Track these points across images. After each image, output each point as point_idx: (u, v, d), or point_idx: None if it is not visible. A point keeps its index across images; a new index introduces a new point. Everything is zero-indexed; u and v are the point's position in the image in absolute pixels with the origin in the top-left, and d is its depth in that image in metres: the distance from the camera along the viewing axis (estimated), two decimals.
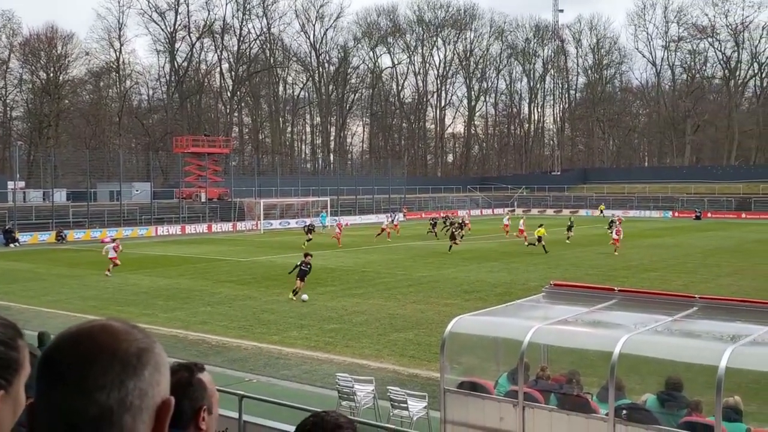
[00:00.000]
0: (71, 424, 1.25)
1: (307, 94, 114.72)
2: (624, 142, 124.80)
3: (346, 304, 23.18)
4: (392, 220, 52.34)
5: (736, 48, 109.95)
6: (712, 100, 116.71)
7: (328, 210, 65.05)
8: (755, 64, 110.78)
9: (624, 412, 8.25)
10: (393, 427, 9.66)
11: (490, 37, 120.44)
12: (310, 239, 43.56)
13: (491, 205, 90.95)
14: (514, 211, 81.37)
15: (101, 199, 63.29)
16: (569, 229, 46.30)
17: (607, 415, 8.34)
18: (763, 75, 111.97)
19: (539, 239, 39.06)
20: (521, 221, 45.16)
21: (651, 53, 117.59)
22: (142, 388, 1.28)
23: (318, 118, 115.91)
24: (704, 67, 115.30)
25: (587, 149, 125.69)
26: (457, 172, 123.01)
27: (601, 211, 76.68)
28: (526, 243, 41.11)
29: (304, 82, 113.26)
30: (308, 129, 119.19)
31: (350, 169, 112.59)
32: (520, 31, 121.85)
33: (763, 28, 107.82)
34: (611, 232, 40.51)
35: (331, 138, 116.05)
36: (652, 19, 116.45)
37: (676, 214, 78.84)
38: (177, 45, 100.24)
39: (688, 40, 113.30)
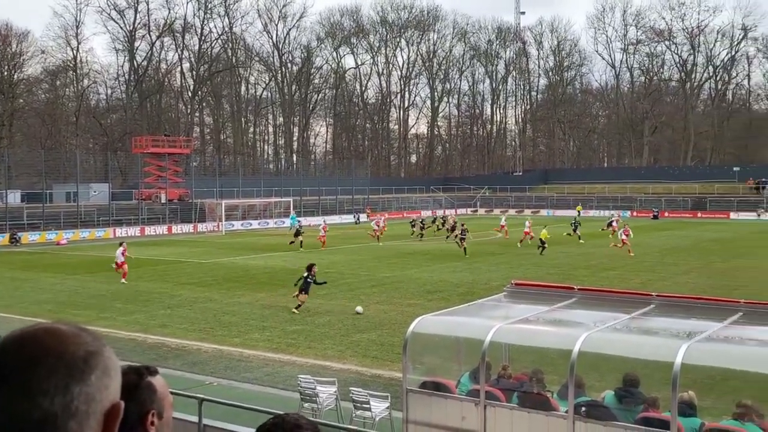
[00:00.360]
0: (14, 428, 1.22)
1: (269, 94, 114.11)
2: (584, 143, 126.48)
3: (308, 305, 23.05)
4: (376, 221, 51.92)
5: (692, 51, 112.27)
6: (669, 102, 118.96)
7: (292, 210, 64.80)
8: (710, 67, 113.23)
9: (583, 409, 8.34)
10: (355, 428, 9.65)
11: (452, 38, 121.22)
12: (293, 242, 42.36)
13: (454, 205, 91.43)
14: (506, 211, 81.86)
15: (57, 201, 62.12)
16: (575, 229, 46.12)
17: (566, 412, 8.43)
18: (718, 78, 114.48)
19: (542, 242, 38.07)
20: (527, 222, 44.70)
21: (610, 56, 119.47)
22: (89, 393, 1.25)
23: (281, 119, 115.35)
24: (661, 70, 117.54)
25: (548, 150, 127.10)
26: (421, 172, 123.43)
27: (579, 213, 77.51)
28: (519, 244, 40.99)
29: (267, 82, 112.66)
30: (271, 129, 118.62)
31: (313, 170, 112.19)
32: (483, 33, 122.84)
33: (717, 32, 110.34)
34: (619, 233, 39.93)
35: (294, 138, 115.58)
36: (611, 22, 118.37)
37: (635, 213, 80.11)
38: (136, 44, 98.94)
39: (646, 43, 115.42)
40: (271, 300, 24.23)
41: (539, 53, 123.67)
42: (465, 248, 37.56)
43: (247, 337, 18.66)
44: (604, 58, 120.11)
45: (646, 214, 78.10)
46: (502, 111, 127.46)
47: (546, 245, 37.76)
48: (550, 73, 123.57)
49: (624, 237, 38.01)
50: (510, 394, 9.17)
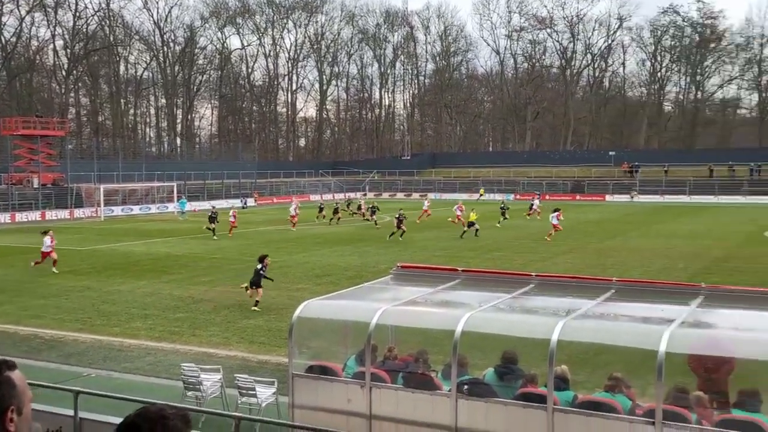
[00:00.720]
0: None
1: (151, 74, 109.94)
2: (470, 127, 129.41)
3: (193, 292, 22.50)
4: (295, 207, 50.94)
5: (572, 39, 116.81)
6: (550, 88, 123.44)
7: (175, 194, 62.96)
8: (588, 55, 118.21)
9: (465, 387, 8.52)
10: (240, 415, 9.46)
11: (341, 21, 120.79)
12: (212, 228, 39.07)
13: (343, 189, 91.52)
14: (425, 195, 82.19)
15: None
16: (503, 213, 46.32)
17: (450, 391, 8.59)
18: (595, 65, 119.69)
19: (471, 224, 38.64)
20: (456, 207, 44.53)
21: (495, 42, 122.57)
22: None
23: (163, 100, 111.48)
24: (543, 57, 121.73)
25: (436, 134, 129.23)
26: (310, 156, 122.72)
27: (481, 195, 79.15)
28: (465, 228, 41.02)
29: (148, 62, 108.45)
30: (153, 111, 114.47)
31: (198, 153, 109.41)
32: (371, 17, 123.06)
33: (595, 21, 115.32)
34: (551, 218, 38.09)
35: (178, 121, 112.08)
36: (495, 9, 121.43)
37: (518, 196, 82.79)
38: (4, 19, 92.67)
39: (529, 30, 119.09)
40: (153, 287, 23.45)
41: (426, 38, 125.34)
42: (403, 231, 37.31)
43: (128, 326, 17.99)
44: (489, 44, 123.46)
45: (529, 197, 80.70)
46: (390, 95, 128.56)
47: (477, 227, 38.36)
48: (438, 58, 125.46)
49: (556, 222, 37.26)
50: (395, 375, 9.25)
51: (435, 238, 38.03)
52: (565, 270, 25.17)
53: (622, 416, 7.79)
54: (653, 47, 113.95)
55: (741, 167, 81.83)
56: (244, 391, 11.21)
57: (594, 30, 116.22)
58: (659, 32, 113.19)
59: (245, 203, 68.26)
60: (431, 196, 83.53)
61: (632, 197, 78.08)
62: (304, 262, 29.28)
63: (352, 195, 79.59)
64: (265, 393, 11.24)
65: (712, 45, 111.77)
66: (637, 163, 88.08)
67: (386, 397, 9.02)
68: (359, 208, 52.75)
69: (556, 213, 37.67)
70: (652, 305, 9.49)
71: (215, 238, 38.14)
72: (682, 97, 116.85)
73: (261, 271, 19.74)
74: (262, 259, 20.02)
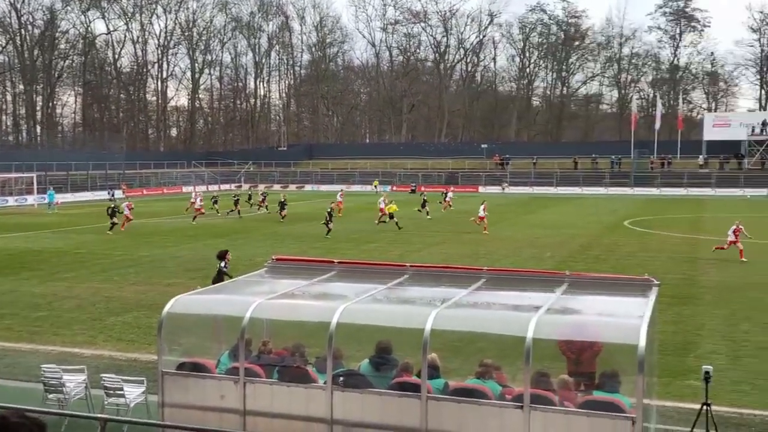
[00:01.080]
0: None
1: (7, 58, 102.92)
2: (347, 119, 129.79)
3: (55, 289, 21.30)
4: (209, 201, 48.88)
5: (445, 33, 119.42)
6: (425, 81, 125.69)
7: (35, 185, 59.49)
8: (461, 50, 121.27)
9: (341, 379, 8.50)
10: (105, 416, 9.01)
11: (213, 8, 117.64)
12: (115, 223, 36.51)
13: (217, 180, 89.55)
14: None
15: None
16: (424, 205, 46.24)
17: (325, 383, 8.54)
18: (468, 60, 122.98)
19: (391, 216, 38.65)
20: (381, 199, 43.18)
21: (371, 34, 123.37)
22: None
23: (21, 86, 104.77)
24: (418, 50, 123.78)
25: (313, 125, 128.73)
26: (182, 146, 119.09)
27: (375, 187, 79.10)
28: (377, 221, 40.29)
29: (4, 45, 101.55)
30: (9, 98, 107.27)
31: (61, 143, 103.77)
32: (245, 5, 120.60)
33: (468, 17, 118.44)
34: (480, 209, 38.00)
35: (38, 108, 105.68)
36: (371, 1, 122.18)
37: (395, 188, 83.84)
38: None
39: (403, 24, 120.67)
40: (11, 285, 22.02)
41: (302, 28, 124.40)
42: (329, 229, 35.50)
43: None
44: (365, 36, 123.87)
45: (405, 188, 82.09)
46: (266, 85, 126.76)
47: (396, 219, 38.34)
48: (313, 49, 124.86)
49: (483, 214, 37.53)
50: (270, 369, 9.09)
51: (312, 231, 37.87)
52: (439, 260, 25.71)
53: (493, 401, 8.00)
54: (522, 44, 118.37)
55: (603, 160, 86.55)
56: (111, 392, 10.70)
57: (466, 25, 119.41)
58: (527, 29, 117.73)
59: (113, 195, 65.42)
60: (308, 187, 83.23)
61: (503, 189, 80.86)
62: (177, 255, 28.40)
63: (254, 186, 77.63)
64: (133, 392, 10.78)
65: (576, 43, 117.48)
66: (507, 156, 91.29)
67: (261, 392, 8.86)
68: (264, 200, 51.40)
69: (483, 205, 38.52)
70: (520, 293, 9.81)
71: (110, 233, 35.91)
72: (549, 92, 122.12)
73: (224, 269, 17.13)
74: (223, 256, 17.34)
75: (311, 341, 10.20)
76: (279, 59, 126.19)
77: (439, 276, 11.13)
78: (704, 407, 8.86)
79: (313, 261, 12.87)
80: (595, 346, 8.49)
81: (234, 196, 48.74)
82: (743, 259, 25.98)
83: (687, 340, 14.92)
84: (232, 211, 46.30)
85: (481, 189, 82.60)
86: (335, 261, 11.88)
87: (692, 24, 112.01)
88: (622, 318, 8.68)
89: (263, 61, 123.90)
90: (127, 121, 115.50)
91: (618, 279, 10.53)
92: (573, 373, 8.41)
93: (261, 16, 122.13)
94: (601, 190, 78.14)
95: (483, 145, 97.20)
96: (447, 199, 52.19)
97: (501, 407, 7.90)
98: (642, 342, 7.20)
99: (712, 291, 20.21)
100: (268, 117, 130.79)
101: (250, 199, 53.72)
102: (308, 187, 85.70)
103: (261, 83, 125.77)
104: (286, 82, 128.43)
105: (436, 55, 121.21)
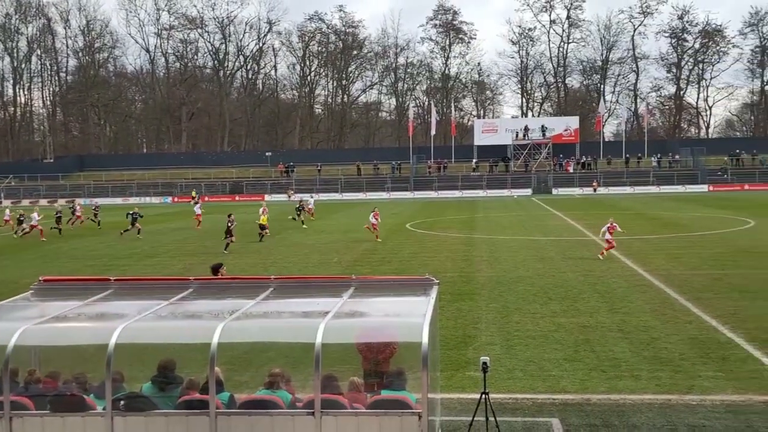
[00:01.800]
0: None
1: None
2: (121, 128, 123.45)
3: None
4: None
5: (223, 40, 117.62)
6: (205, 88, 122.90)
7: None
8: (241, 57, 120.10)
9: (122, 403, 7.99)
10: None
11: None
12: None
13: None
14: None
15: None
16: (299, 212, 45.45)
17: (105, 409, 7.98)
18: (248, 67, 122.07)
19: (262, 227, 36.67)
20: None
21: (144, 39, 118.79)
22: None
23: None
24: (196, 57, 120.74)
25: (83, 135, 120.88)
26: None
27: (193, 198, 75.12)
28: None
29: None
30: None
31: None
32: (0, 6, 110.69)
33: (246, 24, 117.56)
34: (371, 217, 36.47)
35: None
36: (143, 5, 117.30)
37: (176, 199, 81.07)
38: None
39: (179, 29, 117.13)
40: None
41: (67, 32, 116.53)
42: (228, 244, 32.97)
43: None
44: (138, 42, 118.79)
45: (187, 199, 79.67)
46: (27, 92, 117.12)
47: (267, 231, 36.97)
48: (80, 54, 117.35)
49: (374, 221, 36.08)
50: (41, 400, 8.32)
51: (86, 247, 35.48)
52: (228, 272, 25.15)
53: (284, 411, 7.92)
54: (302, 52, 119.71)
55: (384, 165, 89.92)
56: None
57: (245, 32, 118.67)
58: (307, 38, 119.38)
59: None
60: (81, 201, 78.18)
61: (290, 196, 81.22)
62: None
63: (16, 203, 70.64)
64: None
65: (355, 52, 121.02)
66: (292, 163, 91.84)
67: (31, 426, 8.08)
68: (96, 215, 47.18)
69: (374, 212, 37.54)
70: (309, 300, 9.83)
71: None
72: (330, 100, 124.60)
73: None
74: (216, 269, 15.26)
75: (89, 366, 9.49)
76: (41, 64, 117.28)
77: (225, 288, 10.84)
78: (483, 396, 9.40)
79: (87, 280, 11.97)
80: (390, 347, 8.70)
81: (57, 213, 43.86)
82: (600, 257, 26.61)
83: (466, 334, 15.82)
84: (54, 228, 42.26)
85: (267, 197, 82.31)
86: (112, 278, 11.16)
87: (460, 36, 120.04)
88: (405, 317, 8.97)
89: (23, 66, 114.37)
90: None
91: (401, 280, 10.89)
92: (368, 374, 8.56)
93: (19, 18, 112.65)
94: (383, 195, 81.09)
95: (267, 154, 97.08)
96: (309, 208, 50.39)
97: (293, 416, 7.84)
98: (425, 339, 7.48)
99: (486, 286, 21.64)
100: (30, 127, 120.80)
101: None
102: (81, 201, 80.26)
103: (21, 90, 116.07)
104: (51, 89, 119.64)
105: (215, 62, 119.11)
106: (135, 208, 42.38)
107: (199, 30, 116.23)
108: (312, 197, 57.92)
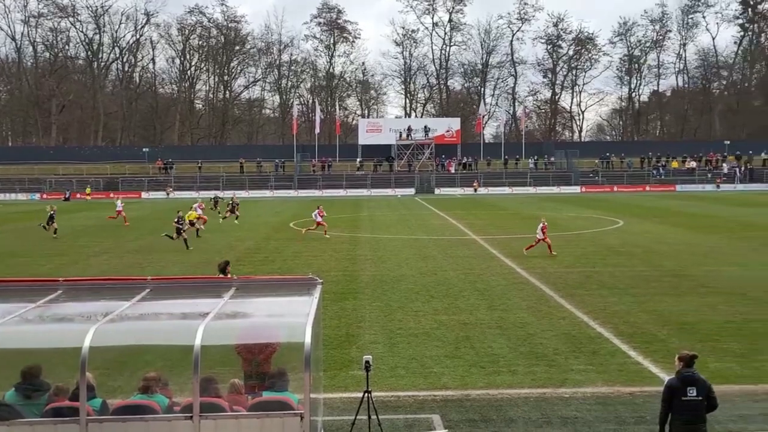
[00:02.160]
0: None
1: None
2: None
3: None
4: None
5: (97, 31, 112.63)
6: (77, 80, 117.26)
7: None
8: (117, 49, 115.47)
9: None
10: None
11: None
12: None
13: None
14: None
15: None
16: (233, 210, 45.16)
17: None
18: (125, 60, 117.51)
19: (192, 223, 35.07)
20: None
21: (10, 26, 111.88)
22: None
23: None
24: (67, 47, 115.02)
25: None
26: None
27: (88, 195, 70.80)
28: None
29: None
30: None
31: None
32: None
33: (122, 15, 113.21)
34: (313, 215, 36.07)
35: None
36: None
37: (45, 195, 77.01)
38: None
39: (49, 17, 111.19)
40: None
41: None
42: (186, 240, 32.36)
43: None
44: (2, 29, 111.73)
45: (58, 195, 75.87)
46: None
47: (199, 227, 36.24)
48: None
49: (319, 219, 35.55)
50: None
51: None
52: (101, 272, 24.13)
53: (160, 416, 7.65)
54: (182, 45, 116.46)
55: (268, 163, 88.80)
56: None
57: (121, 23, 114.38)
58: (187, 31, 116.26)
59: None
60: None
61: (168, 194, 78.80)
62: None
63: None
64: None
65: (237, 48, 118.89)
66: (171, 160, 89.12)
67: None
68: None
69: (317, 209, 36.36)
70: (187, 300, 9.54)
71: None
72: (212, 96, 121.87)
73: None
74: (224, 269, 14.46)
75: None
76: None
77: (99, 289, 10.32)
78: (366, 395, 9.43)
79: None
80: (270, 347, 8.57)
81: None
82: (553, 253, 27.37)
83: (350, 333, 15.85)
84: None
85: (144, 195, 79.55)
86: None
87: (344, 35, 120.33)
88: (288, 317, 8.86)
89: None
90: None
91: (284, 280, 10.78)
92: (249, 376, 8.40)
93: None
94: (267, 193, 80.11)
95: (144, 149, 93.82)
96: (234, 205, 48.15)
97: (170, 420, 7.58)
98: (308, 339, 7.41)
99: (370, 285, 21.78)
100: None
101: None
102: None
103: None
104: None
105: (89, 53, 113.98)
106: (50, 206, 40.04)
107: (71, 19, 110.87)
108: (234, 194, 57.77)
